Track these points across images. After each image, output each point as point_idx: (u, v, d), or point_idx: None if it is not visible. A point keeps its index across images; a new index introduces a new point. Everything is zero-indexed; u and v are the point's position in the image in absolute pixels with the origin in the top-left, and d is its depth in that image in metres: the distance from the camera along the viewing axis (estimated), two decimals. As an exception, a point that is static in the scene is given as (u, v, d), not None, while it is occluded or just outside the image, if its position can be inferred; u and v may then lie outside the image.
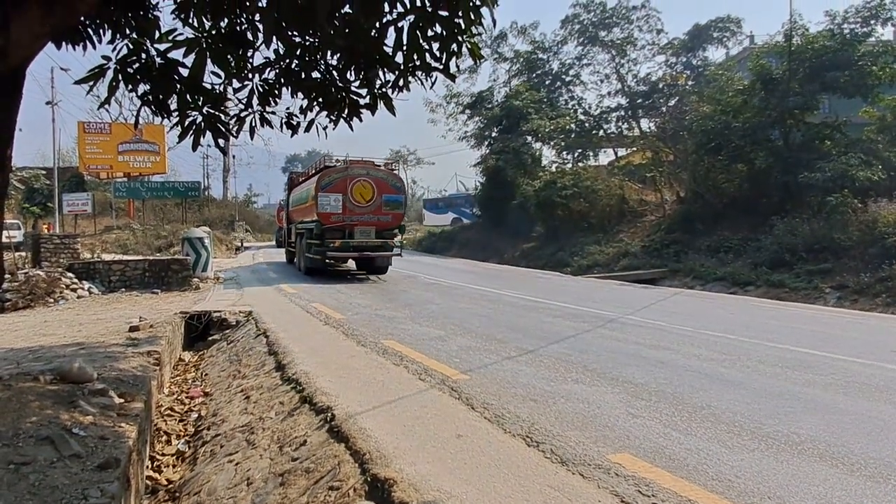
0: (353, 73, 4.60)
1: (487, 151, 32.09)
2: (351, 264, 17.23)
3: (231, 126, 4.84)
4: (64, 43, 4.54)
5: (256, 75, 4.66)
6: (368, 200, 15.31)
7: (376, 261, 16.00)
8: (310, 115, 4.92)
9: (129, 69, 4.27)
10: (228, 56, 4.26)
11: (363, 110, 4.82)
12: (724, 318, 9.44)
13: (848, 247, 13.74)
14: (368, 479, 3.46)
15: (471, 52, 4.57)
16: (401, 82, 4.61)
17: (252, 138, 5.06)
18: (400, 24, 4.05)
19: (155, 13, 4.70)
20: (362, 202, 15.27)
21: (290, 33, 4.28)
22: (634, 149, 30.20)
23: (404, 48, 4.13)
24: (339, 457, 3.84)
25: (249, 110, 4.82)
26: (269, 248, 35.11)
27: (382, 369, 5.96)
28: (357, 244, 15.20)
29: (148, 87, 4.40)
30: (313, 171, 17.40)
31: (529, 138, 29.76)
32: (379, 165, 16.41)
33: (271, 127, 4.95)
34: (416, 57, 4.24)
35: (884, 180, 15.31)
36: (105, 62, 4.15)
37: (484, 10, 4.20)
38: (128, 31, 4.60)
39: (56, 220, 31.43)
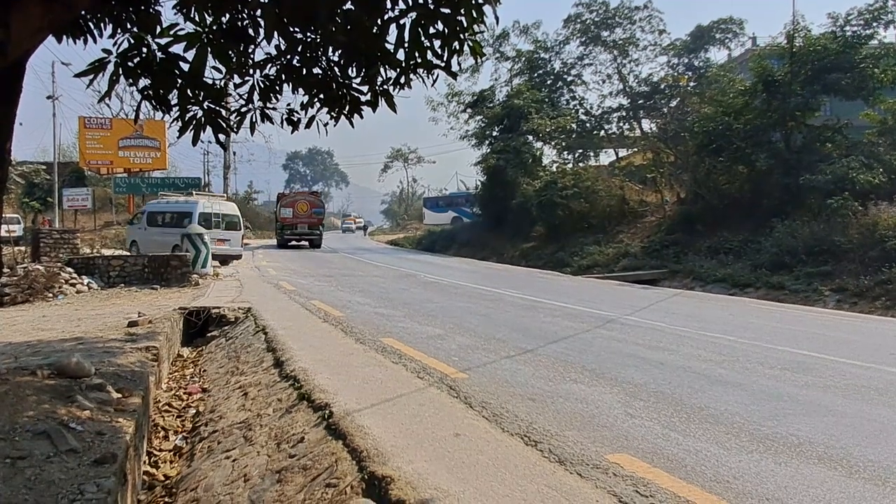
0: (354, 69, 4.58)
1: (488, 150, 32.03)
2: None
3: (231, 121, 4.83)
4: (65, 37, 4.52)
5: (257, 71, 4.65)
6: (304, 211, 30.52)
7: (312, 241, 30.87)
8: (310, 112, 4.90)
9: (129, 63, 4.25)
10: (230, 51, 4.24)
11: (364, 107, 4.81)
12: (723, 320, 9.44)
13: (848, 249, 13.73)
14: (366, 476, 3.45)
15: (472, 51, 4.55)
16: (402, 80, 4.59)
17: (252, 134, 5.06)
18: (402, 22, 4.05)
19: (156, 8, 4.69)
20: (301, 212, 30.50)
21: (291, 29, 4.27)
22: (635, 149, 30.26)
23: (406, 45, 4.13)
24: (337, 454, 3.84)
25: (250, 106, 4.81)
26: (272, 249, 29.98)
27: (381, 367, 5.95)
28: (299, 233, 30.83)
29: (148, 81, 4.38)
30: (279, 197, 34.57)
31: (530, 138, 29.73)
32: (312, 194, 34.82)
33: (272, 123, 4.93)
34: (417, 54, 4.23)
35: (884, 183, 15.29)
36: (106, 56, 4.13)
37: (486, 9, 4.20)
38: (129, 26, 4.59)
39: (56, 215, 31.44)
